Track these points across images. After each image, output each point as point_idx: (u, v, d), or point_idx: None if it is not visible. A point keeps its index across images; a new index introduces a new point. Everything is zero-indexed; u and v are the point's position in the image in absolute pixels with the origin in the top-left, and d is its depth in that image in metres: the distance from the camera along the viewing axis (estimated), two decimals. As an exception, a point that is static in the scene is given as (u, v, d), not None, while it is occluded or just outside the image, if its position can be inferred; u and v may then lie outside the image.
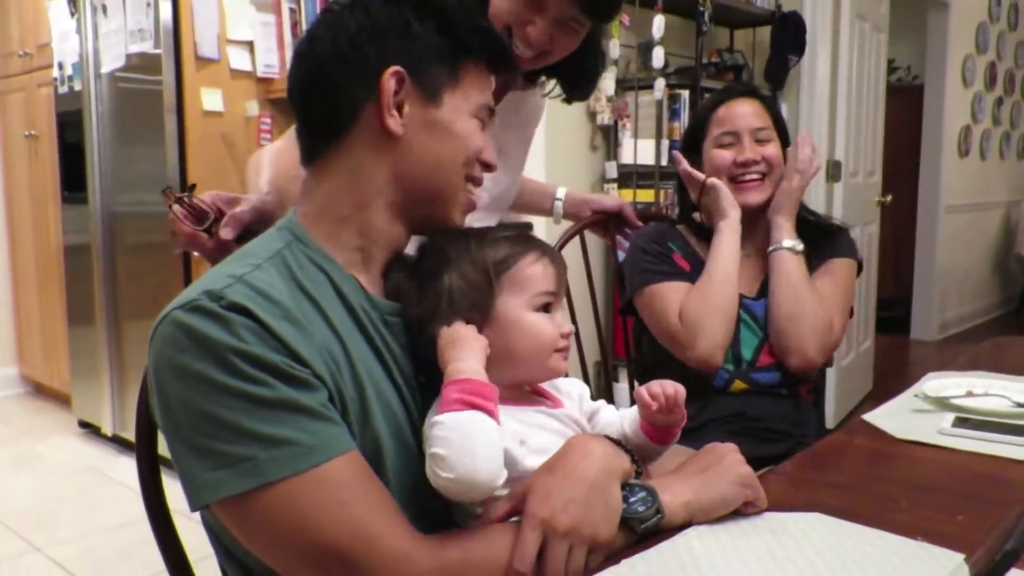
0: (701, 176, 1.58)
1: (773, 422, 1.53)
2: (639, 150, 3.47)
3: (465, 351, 0.84)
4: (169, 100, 2.95)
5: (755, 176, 1.59)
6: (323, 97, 0.90)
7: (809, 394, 1.62)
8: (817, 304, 1.53)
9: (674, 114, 3.43)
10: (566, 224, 1.86)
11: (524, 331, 0.89)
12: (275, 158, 1.25)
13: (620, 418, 1.00)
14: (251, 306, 0.77)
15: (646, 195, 3.42)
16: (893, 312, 5.53)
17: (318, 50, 0.90)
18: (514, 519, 0.80)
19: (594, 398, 1.01)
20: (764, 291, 1.60)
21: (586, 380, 1.65)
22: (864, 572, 0.76)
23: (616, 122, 3.54)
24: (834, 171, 3.66)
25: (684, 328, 1.52)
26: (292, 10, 3.16)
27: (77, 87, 3.39)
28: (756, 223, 1.61)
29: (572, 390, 0.98)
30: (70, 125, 3.50)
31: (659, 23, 3.26)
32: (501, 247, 0.92)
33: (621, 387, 3.10)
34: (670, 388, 0.92)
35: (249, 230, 1.00)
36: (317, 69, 0.90)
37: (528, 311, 0.90)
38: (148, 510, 0.99)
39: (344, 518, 0.74)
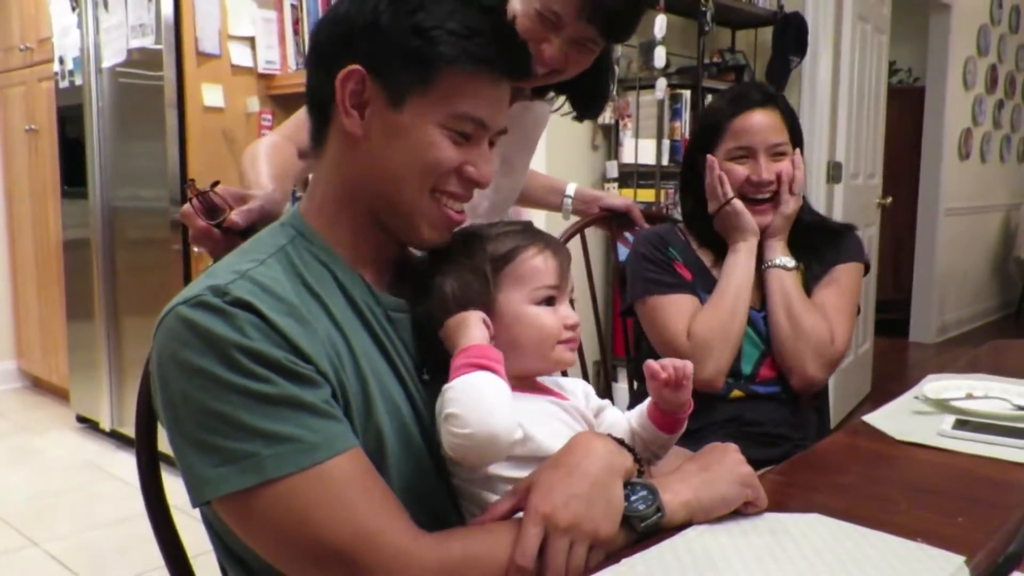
0: (728, 193, 1.53)
1: (771, 427, 1.52)
2: (640, 150, 3.47)
3: (468, 328, 0.86)
4: (170, 95, 2.95)
5: (767, 196, 1.54)
6: (309, 84, 0.90)
7: (812, 399, 1.60)
8: (815, 320, 1.50)
9: (675, 114, 3.43)
10: (563, 220, 1.86)
11: (526, 324, 0.90)
12: (272, 153, 1.25)
13: (626, 416, 1.00)
14: (255, 302, 0.77)
15: (647, 195, 3.42)
16: (892, 314, 5.53)
17: (315, 31, 0.90)
18: (516, 516, 0.80)
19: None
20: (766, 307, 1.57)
21: (585, 380, 1.64)
22: (864, 573, 0.76)
23: (617, 121, 3.54)
24: (834, 173, 3.66)
25: (693, 349, 1.50)
26: (294, 6, 3.16)
27: (78, 82, 3.39)
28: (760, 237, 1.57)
29: (576, 388, 0.99)
30: (70, 120, 3.50)
31: (661, 23, 3.26)
32: (503, 241, 0.92)
33: (620, 387, 3.09)
34: (679, 362, 0.94)
35: (253, 226, 1.00)
36: (310, 52, 0.91)
37: (529, 305, 0.91)
38: (147, 505, 0.99)
39: (345, 516, 0.74)
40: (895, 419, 1.25)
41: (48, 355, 4.06)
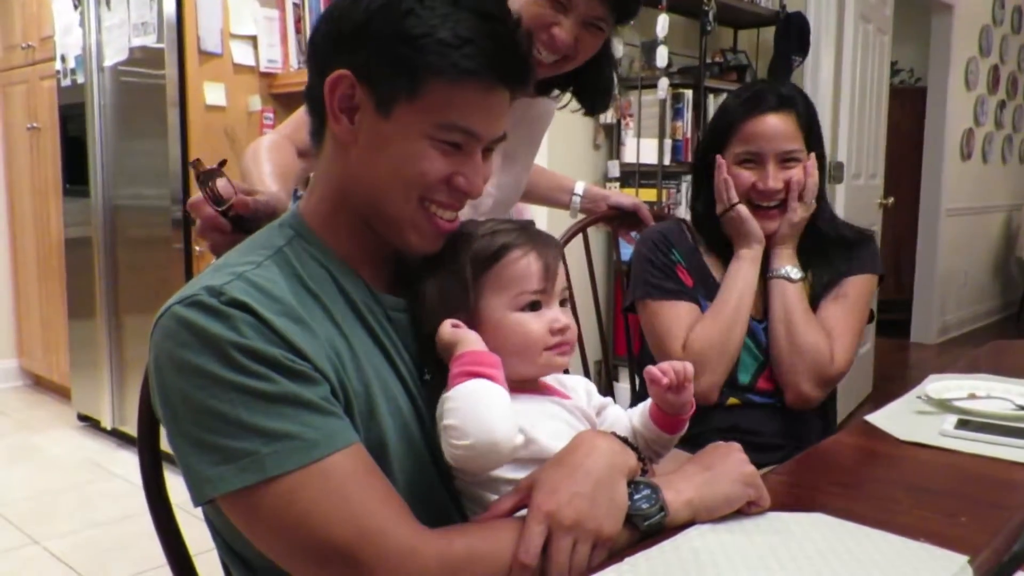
0: (733, 197, 1.49)
1: (768, 436, 1.49)
2: (642, 149, 3.47)
3: (464, 336, 0.85)
4: (172, 94, 2.95)
5: (774, 204, 1.49)
6: (307, 83, 0.89)
7: (818, 407, 1.56)
8: (816, 337, 1.46)
9: (677, 113, 3.43)
10: (570, 219, 1.86)
11: (508, 332, 0.88)
12: (274, 153, 1.25)
13: (628, 414, 1.00)
14: (251, 302, 0.77)
15: (648, 194, 3.42)
16: (893, 315, 5.53)
17: (313, 30, 0.89)
18: (519, 514, 0.80)
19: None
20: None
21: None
22: (866, 572, 0.76)
23: (619, 121, 3.54)
24: (836, 173, 3.66)
25: (689, 359, 1.48)
26: (296, 5, 3.16)
27: (80, 80, 3.39)
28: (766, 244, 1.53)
29: (578, 386, 0.98)
30: (72, 118, 3.50)
31: (663, 22, 3.26)
32: (487, 243, 0.89)
33: (622, 387, 3.09)
34: (679, 365, 0.93)
35: (258, 220, 0.99)
36: (308, 51, 0.90)
37: (511, 312, 0.89)
38: (150, 504, 0.99)
39: (347, 513, 0.74)
40: (897, 419, 1.25)
41: (49, 353, 4.07)
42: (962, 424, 1.20)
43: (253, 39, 3.09)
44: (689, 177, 3.46)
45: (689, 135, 3.44)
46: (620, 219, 1.84)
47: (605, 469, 0.79)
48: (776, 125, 1.47)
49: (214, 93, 3.00)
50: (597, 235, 3.40)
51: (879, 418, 1.25)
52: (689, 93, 3.42)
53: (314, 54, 0.88)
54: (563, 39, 1.21)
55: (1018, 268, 6.81)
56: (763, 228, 1.50)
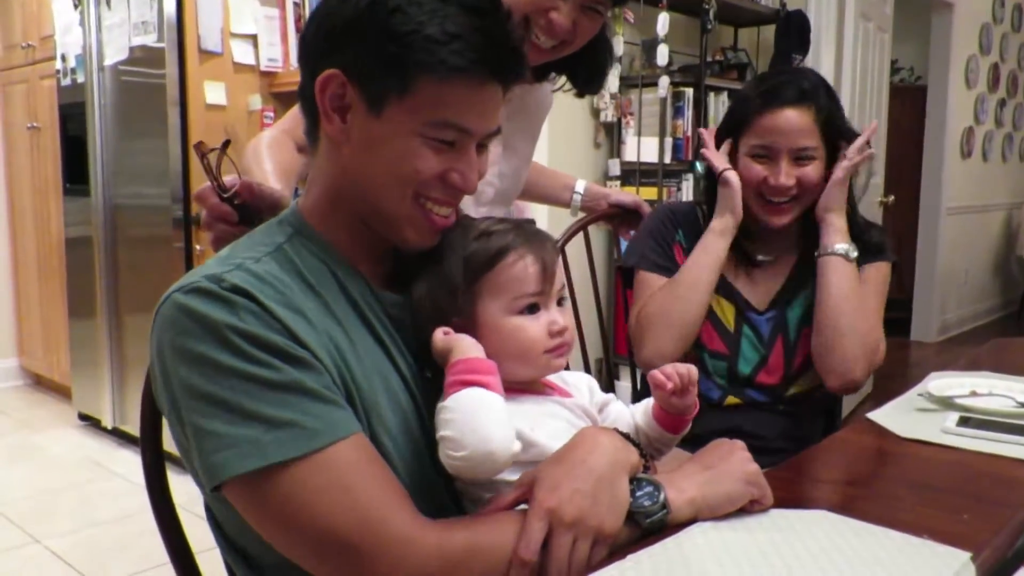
0: (718, 166, 1.48)
1: (772, 440, 1.48)
2: (642, 147, 3.47)
3: (455, 340, 0.85)
4: (172, 93, 2.95)
5: (785, 200, 1.45)
6: (300, 81, 0.89)
7: (819, 409, 1.56)
8: (869, 320, 1.43)
9: (678, 112, 3.43)
10: (571, 216, 1.86)
11: (505, 336, 0.88)
12: (274, 150, 1.25)
13: (631, 411, 1.00)
14: (251, 289, 0.77)
15: (649, 193, 3.42)
16: (894, 313, 5.49)
17: (304, 27, 0.89)
18: (520, 507, 0.80)
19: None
20: (776, 304, 1.52)
21: (588, 376, 1.64)
22: (869, 569, 0.76)
23: (620, 119, 3.54)
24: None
25: (637, 329, 1.48)
26: (296, 4, 3.16)
27: (80, 79, 3.39)
28: (782, 230, 1.50)
29: (579, 383, 0.98)
30: (72, 117, 3.50)
31: (663, 20, 3.26)
32: (483, 245, 0.88)
33: (623, 385, 3.09)
34: (683, 368, 0.93)
35: (260, 215, 0.99)
36: (299, 48, 0.89)
37: (508, 316, 0.88)
38: (152, 502, 0.98)
39: (348, 502, 0.74)
40: (899, 416, 1.25)
41: (50, 353, 4.07)
42: (964, 421, 1.20)
43: (253, 38, 3.09)
44: (690, 176, 3.46)
45: (690, 133, 3.44)
46: (621, 217, 1.84)
47: (607, 466, 0.79)
48: (792, 120, 1.42)
49: (214, 92, 3.00)
50: (598, 233, 3.40)
51: (881, 416, 1.25)
52: (690, 91, 3.42)
53: (305, 53, 0.87)
54: (561, 24, 1.20)
55: (1018, 267, 6.81)
56: (771, 221, 1.48)
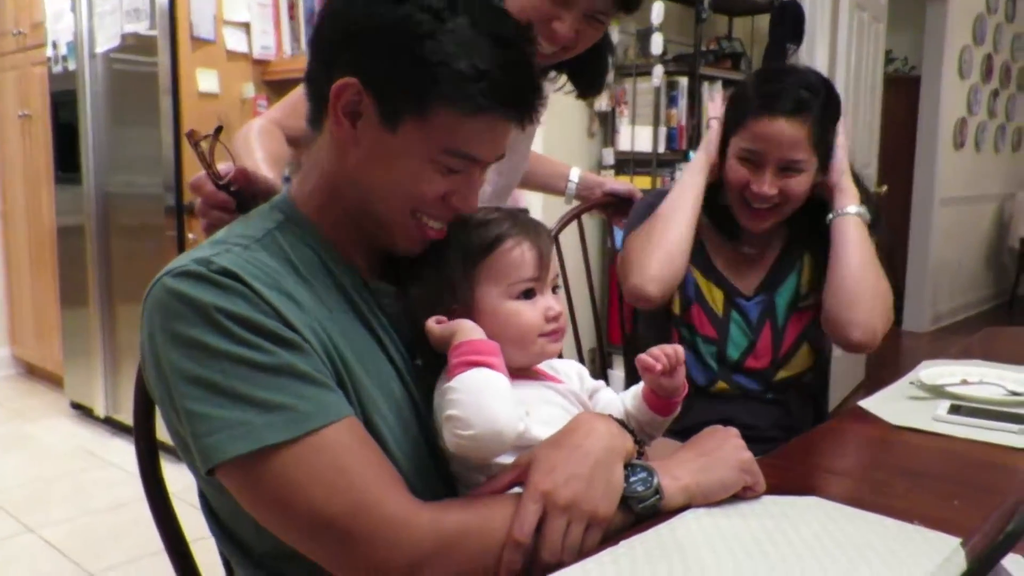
0: (711, 121, 1.51)
1: (763, 429, 1.48)
2: (636, 137, 3.47)
3: (460, 326, 0.86)
4: (164, 81, 2.93)
5: (766, 206, 1.44)
6: (309, 69, 0.88)
7: (807, 396, 1.57)
8: (883, 275, 1.45)
9: (672, 101, 3.42)
10: (565, 204, 1.86)
11: (503, 321, 0.89)
12: (265, 139, 1.24)
13: (621, 397, 1.00)
14: (241, 272, 0.77)
15: (643, 182, 3.41)
16: (886, 303, 5.54)
17: (320, 21, 0.86)
18: (514, 490, 0.80)
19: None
20: (764, 290, 1.53)
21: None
22: (861, 555, 0.76)
23: (614, 109, 3.54)
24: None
25: (621, 265, 1.49)
26: (289, -9, 3.15)
27: (71, 67, 3.36)
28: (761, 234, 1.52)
29: (569, 370, 0.99)
30: (64, 105, 3.48)
31: (658, 10, 3.25)
32: (480, 233, 0.90)
33: (616, 374, 3.10)
34: (669, 348, 0.94)
35: (256, 200, 0.99)
36: (313, 39, 0.88)
37: (506, 300, 0.89)
38: (147, 492, 0.98)
39: (342, 484, 0.74)
40: (891, 404, 1.26)
41: (42, 342, 4.05)
42: (955, 409, 1.21)
43: (246, 26, 3.07)
44: (684, 165, 3.46)
45: (684, 123, 3.43)
46: (615, 206, 1.84)
47: (603, 451, 0.80)
48: (784, 132, 1.39)
49: (207, 80, 2.99)
50: (591, 222, 3.40)
51: (872, 404, 1.26)
52: (684, 81, 3.41)
53: (319, 43, 0.86)
54: (564, 33, 1.20)
55: (1010, 257, 6.83)
56: (751, 227, 1.49)
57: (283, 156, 1.25)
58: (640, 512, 0.81)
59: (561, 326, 0.92)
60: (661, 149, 3.43)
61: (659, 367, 0.93)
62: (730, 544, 0.78)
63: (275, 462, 0.73)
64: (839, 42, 3.71)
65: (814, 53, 3.73)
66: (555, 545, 0.75)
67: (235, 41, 3.05)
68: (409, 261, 0.91)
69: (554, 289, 0.94)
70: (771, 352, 1.52)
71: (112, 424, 3.46)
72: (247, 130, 1.27)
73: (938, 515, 0.85)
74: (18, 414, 3.77)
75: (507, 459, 0.84)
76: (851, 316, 1.42)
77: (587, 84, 1.41)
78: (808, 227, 1.52)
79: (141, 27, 2.96)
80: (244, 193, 0.99)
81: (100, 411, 3.45)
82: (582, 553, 0.76)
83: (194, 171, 1.01)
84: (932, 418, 1.19)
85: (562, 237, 1.67)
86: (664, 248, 1.45)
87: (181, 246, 2.99)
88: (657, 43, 3.28)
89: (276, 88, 3.10)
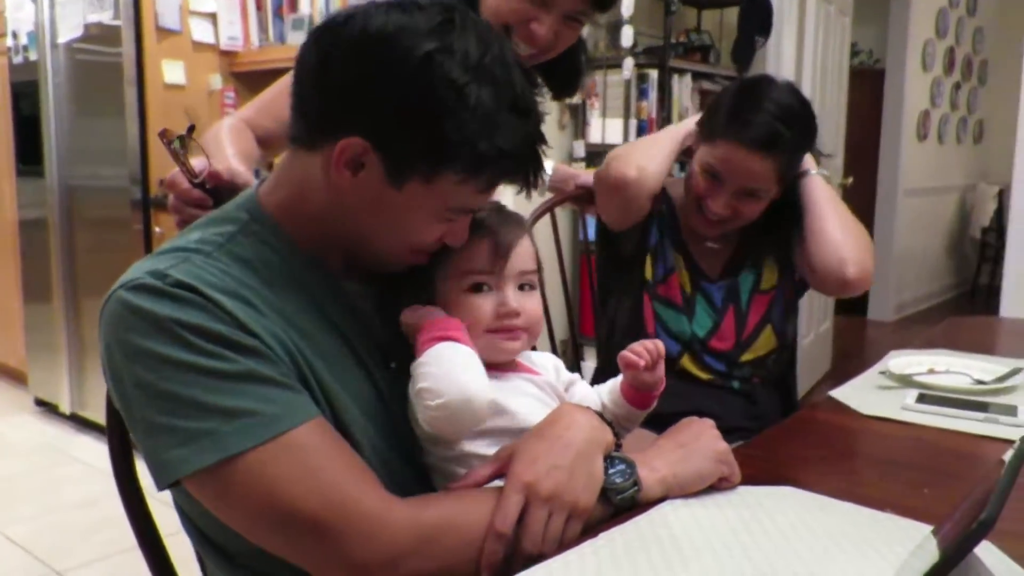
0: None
1: (732, 419, 1.48)
2: (607, 129, 3.48)
3: (426, 311, 0.88)
4: (129, 72, 2.89)
5: (717, 219, 1.46)
6: (302, 104, 0.84)
7: (772, 386, 1.59)
8: (857, 220, 1.51)
9: (642, 93, 3.43)
10: (539, 196, 1.86)
11: (455, 313, 0.88)
12: (234, 136, 1.22)
13: (597, 390, 1.01)
14: (196, 283, 0.76)
15: (613, 175, 3.43)
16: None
17: (305, 60, 0.82)
18: (494, 483, 0.80)
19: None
20: (728, 274, 1.56)
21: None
22: (835, 543, 0.78)
23: (584, 101, 3.54)
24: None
25: (603, 166, 1.54)
26: (256, -19, 3.11)
27: (32, 57, 3.30)
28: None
29: (546, 362, 0.99)
30: (25, 96, 3.41)
31: (628, 2, 3.26)
32: None
33: (588, 365, 3.11)
34: (650, 344, 0.94)
35: (233, 190, 0.98)
36: (320, 67, 0.81)
37: (459, 293, 0.89)
38: (120, 489, 0.97)
39: (313, 484, 0.73)
40: (860, 394, 1.28)
41: (4, 337, 3.97)
42: (922, 398, 1.23)
43: (213, 16, 3.03)
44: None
45: (654, 115, 3.45)
46: (587, 199, 1.85)
47: (584, 443, 0.80)
48: (750, 165, 1.37)
49: (173, 71, 2.94)
50: (564, 214, 3.41)
51: (843, 393, 1.28)
52: (654, 73, 3.42)
53: (327, 79, 0.80)
54: (542, 35, 1.19)
55: (972, 247, 6.96)
56: (704, 232, 1.52)
57: (253, 155, 1.24)
58: (618, 504, 0.82)
59: (517, 324, 0.89)
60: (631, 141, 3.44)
61: (642, 363, 0.94)
62: (707, 535, 0.79)
63: (244, 468, 0.72)
64: (806, 35, 3.75)
65: (781, 46, 3.76)
66: (536, 536, 0.76)
67: (201, 32, 3.00)
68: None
69: (523, 287, 0.92)
70: (735, 335, 1.55)
71: (78, 420, 3.41)
72: (217, 128, 1.25)
73: (909, 503, 0.87)
74: (-19, 411, 3.70)
75: (487, 449, 0.85)
76: (843, 254, 1.45)
77: (562, 85, 1.41)
78: (767, 216, 1.52)
79: (104, 16, 2.91)
80: (220, 190, 0.98)
81: (65, 407, 3.40)
82: (562, 545, 0.77)
83: (161, 164, 1.00)
84: (901, 407, 1.21)
85: (534, 229, 1.67)
86: (645, 148, 1.53)
87: (148, 239, 2.94)
88: (627, 36, 3.29)
89: (243, 80, 3.06)
